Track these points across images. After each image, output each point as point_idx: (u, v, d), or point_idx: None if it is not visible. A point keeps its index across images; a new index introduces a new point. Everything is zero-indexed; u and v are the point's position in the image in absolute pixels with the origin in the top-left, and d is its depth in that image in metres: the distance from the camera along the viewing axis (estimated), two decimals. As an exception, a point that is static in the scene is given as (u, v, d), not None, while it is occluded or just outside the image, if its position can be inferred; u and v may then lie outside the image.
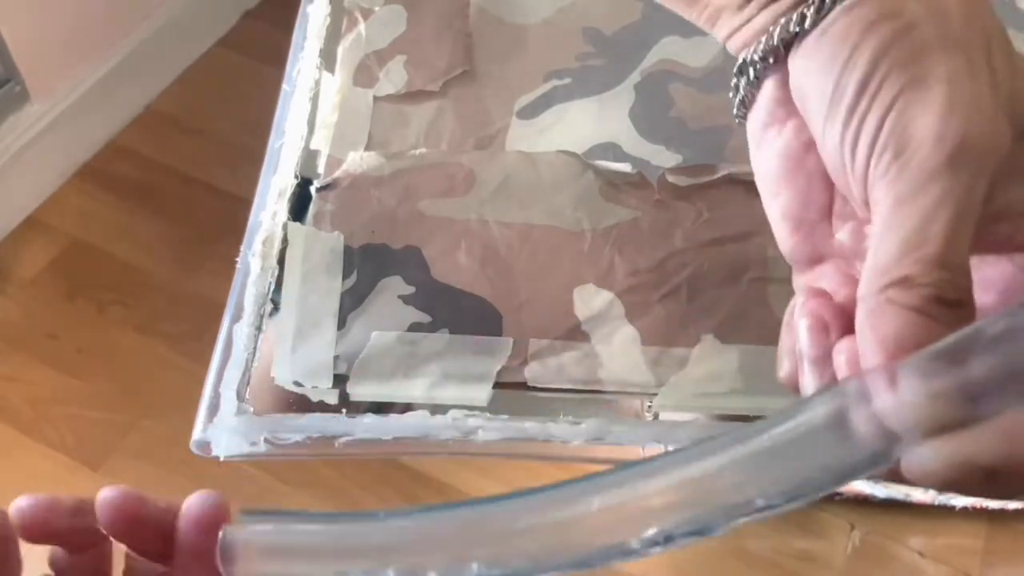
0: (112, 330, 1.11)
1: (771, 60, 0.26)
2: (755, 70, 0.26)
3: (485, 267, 0.37)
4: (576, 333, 0.36)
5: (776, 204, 0.26)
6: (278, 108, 0.43)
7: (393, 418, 0.33)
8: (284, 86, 0.43)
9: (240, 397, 0.34)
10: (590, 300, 0.36)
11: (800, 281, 0.26)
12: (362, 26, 0.46)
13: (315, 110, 0.43)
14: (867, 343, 0.22)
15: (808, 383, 0.24)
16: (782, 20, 0.25)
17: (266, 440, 0.33)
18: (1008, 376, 0.20)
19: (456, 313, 0.36)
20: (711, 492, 0.22)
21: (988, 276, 0.26)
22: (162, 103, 1.31)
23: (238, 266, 0.38)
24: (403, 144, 0.42)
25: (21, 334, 1.11)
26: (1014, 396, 0.20)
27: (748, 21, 0.27)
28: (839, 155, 0.24)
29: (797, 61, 0.26)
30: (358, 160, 0.41)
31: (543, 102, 0.43)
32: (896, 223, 0.22)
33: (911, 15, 0.24)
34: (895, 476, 0.22)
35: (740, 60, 0.27)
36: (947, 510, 0.95)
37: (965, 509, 0.95)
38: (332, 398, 0.35)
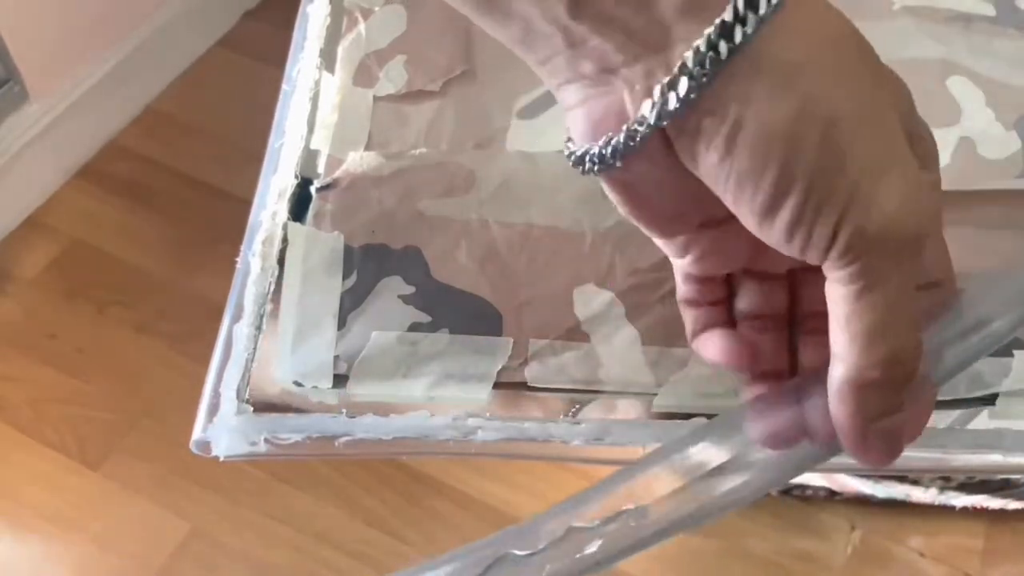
0: (112, 330, 1.12)
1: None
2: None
3: (485, 267, 0.37)
4: (576, 333, 0.36)
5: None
6: (278, 108, 0.43)
7: (393, 418, 0.33)
8: (284, 86, 0.43)
9: (240, 397, 0.34)
10: (590, 300, 0.36)
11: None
12: (362, 26, 0.46)
13: (315, 110, 0.43)
14: (839, 415, 0.25)
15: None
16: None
17: (266, 440, 0.33)
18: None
19: (456, 313, 0.36)
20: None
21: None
22: (162, 103, 1.31)
23: (238, 266, 0.38)
24: (403, 144, 0.42)
25: (21, 334, 1.11)
26: None
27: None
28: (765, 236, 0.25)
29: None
30: (358, 160, 0.41)
31: (543, 102, 0.43)
32: (855, 302, 0.24)
33: (828, 104, 0.24)
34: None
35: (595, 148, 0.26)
36: (947, 510, 0.95)
37: (965, 509, 0.95)
38: (332, 398, 0.35)
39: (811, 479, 0.95)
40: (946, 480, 0.93)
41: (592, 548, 0.25)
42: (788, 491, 0.97)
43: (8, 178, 1.17)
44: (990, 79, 0.44)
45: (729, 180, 0.24)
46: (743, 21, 0.23)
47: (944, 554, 0.95)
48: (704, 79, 0.23)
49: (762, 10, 0.23)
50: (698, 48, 0.23)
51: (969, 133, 0.42)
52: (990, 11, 0.46)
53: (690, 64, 0.23)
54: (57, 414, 1.05)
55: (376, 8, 0.47)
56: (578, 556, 0.25)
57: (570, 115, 0.27)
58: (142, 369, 1.09)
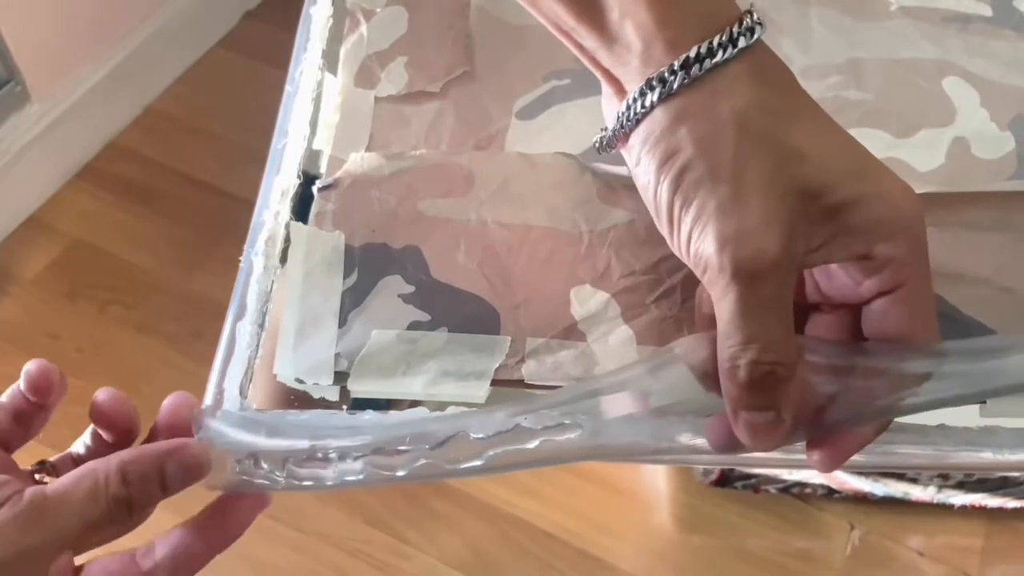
0: (112, 330, 1.12)
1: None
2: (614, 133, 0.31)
3: (484, 267, 0.38)
4: (572, 332, 0.36)
5: None
6: (281, 109, 0.43)
7: (392, 414, 0.33)
8: (287, 87, 0.44)
9: (243, 393, 0.34)
10: (586, 300, 0.36)
11: None
12: (364, 27, 0.46)
13: (317, 111, 0.43)
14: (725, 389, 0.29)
15: None
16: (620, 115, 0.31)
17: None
18: None
19: (455, 312, 0.37)
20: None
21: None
22: (163, 103, 1.32)
23: (241, 265, 0.38)
24: (404, 144, 0.42)
25: (22, 334, 1.11)
26: None
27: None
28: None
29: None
30: (359, 160, 0.41)
31: (542, 103, 0.43)
32: (719, 314, 0.28)
33: (684, 156, 0.28)
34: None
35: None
36: (946, 509, 0.96)
37: (964, 507, 0.95)
38: (333, 395, 0.35)
39: (810, 477, 0.95)
40: (944, 478, 0.93)
41: (532, 444, 0.30)
42: (787, 489, 0.97)
43: (9, 178, 1.17)
44: (985, 79, 0.44)
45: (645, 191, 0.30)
46: (659, 83, 0.29)
47: (944, 553, 0.95)
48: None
49: (676, 84, 0.28)
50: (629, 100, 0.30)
51: (963, 133, 0.42)
52: (987, 12, 0.47)
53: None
54: (58, 414, 1.05)
55: (378, 9, 0.47)
56: (518, 448, 0.30)
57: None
58: (142, 369, 1.09)
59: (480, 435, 0.30)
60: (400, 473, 0.30)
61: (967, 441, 0.33)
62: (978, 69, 0.44)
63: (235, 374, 0.35)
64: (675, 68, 0.28)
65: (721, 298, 0.28)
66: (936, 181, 0.41)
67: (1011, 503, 0.94)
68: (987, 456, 0.33)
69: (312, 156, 0.42)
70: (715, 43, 0.28)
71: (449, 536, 0.96)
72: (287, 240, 0.39)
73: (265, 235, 0.39)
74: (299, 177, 0.41)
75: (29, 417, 0.35)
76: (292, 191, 0.40)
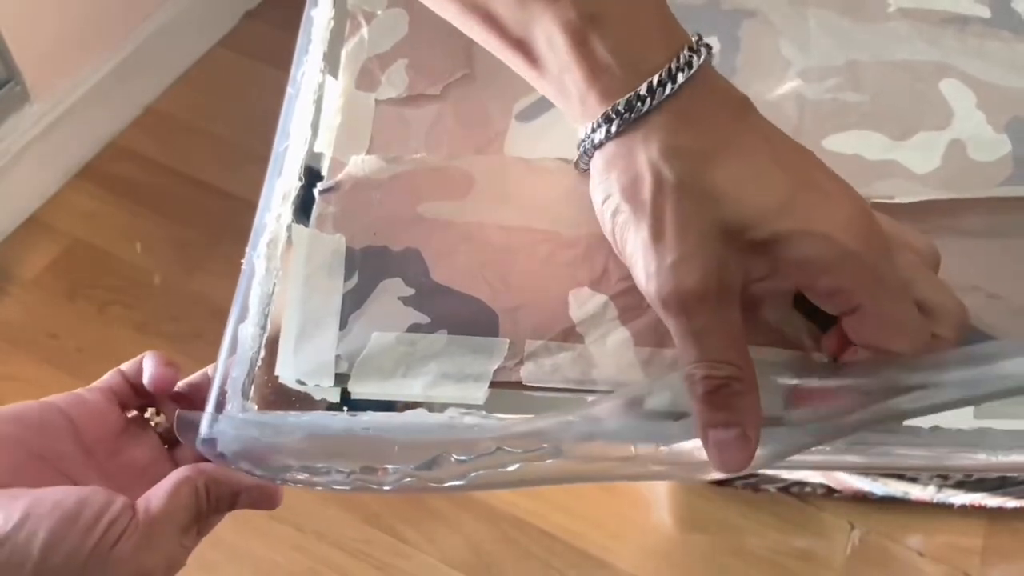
0: (112, 330, 1.12)
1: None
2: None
3: (483, 269, 0.38)
4: (571, 334, 0.36)
5: None
6: (283, 111, 0.43)
7: (392, 415, 0.34)
8: (289, 89, 0.44)
9: (245, 395, 0.35)
10: (584, 303, 0.37)
11: None
12: (364, 29, 0.46)
13: (319, 113, 0.43)
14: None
15: None
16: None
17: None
18: None
19: (454, 314, 0.37)
20: None
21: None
22: (163, 103, 1.32)
23: (243, 267, 0.38)
24: (404, 147, 0.42)
25: (22, 334, 1.11)
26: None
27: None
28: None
29: None
30: (360, 163, 0.41)
31: (541, 105, 0.43)
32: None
33: (614, 201, 0.31)
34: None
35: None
36: (946, 508, 0.96)
37: (964, 507, 0.95)
38: (334, 396, 0.35)
39: (809, 476, 0.95)
40: (944, 478, 0.93)
41: (512, 468, 0.31)
42: (787, 488, 0.98)
43: (9, 178, 1.17)
44: (983, 81, 0.44)
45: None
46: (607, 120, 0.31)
47: (944, 553, 0.95)
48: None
49: (613, 127, 0.31)
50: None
51: (960, 136, 0.42)
52: (985, 13, 0.47)
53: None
54: (58, 413, 1.06)
55: (379, 11, 0.47)
56: (499, 470, 0.31)
57: None
58: (143, 369, 1.09)
59: (463, 458, 0.31)
60: (387, 488, 0.32)
61: (961, 443, 0.33)
62: (975, 71, 0.44)
63: (237, 376, 0.35)
64: (600, 122, 0.31)
65: (667, 324, 0.31)
66: (932, 183, 0.41)
67: (1011, 502, 0.94)
68: (981, 458, 0.33)
69: (314, 159, 0.42)
70: (636, 96, 0.30)
71: (449, 536, 0.97)
72: (289, 242, 0.39)
73: (267, 237, 0.39)
74: (301, 179, 0.41)
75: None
76: (294, 194, 0.40)
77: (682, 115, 0.30)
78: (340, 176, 0.41)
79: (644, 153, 0.30)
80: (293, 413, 0.34)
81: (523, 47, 0.32)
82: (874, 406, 0.31)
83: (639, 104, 0.30)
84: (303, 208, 0.40)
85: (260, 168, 0.42)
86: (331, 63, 0.45)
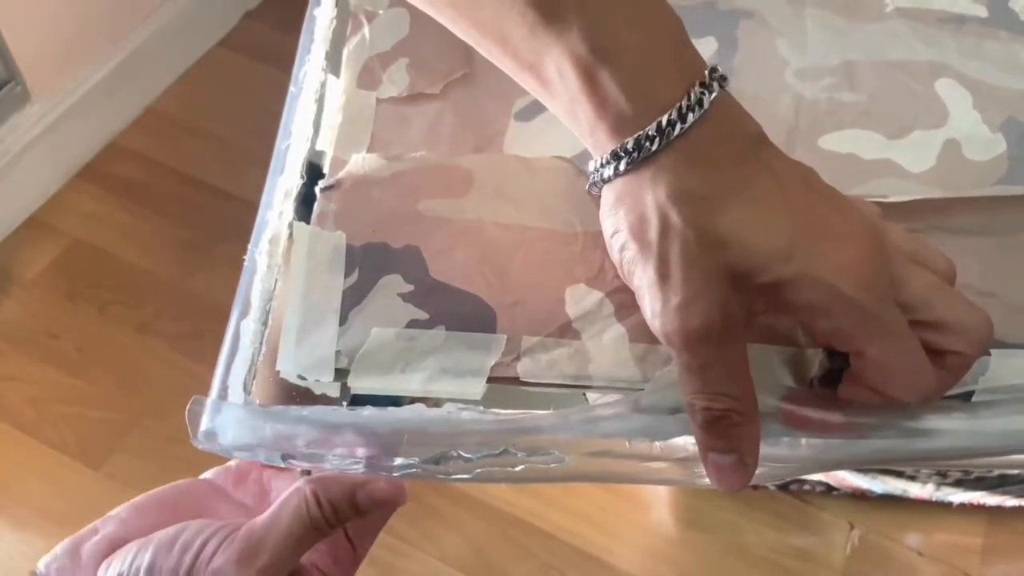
0: (112, 330, 1.12)
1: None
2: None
3: (481, 266, 0.38)
4: (567, 331, 0.36)
5: None
6: (285, 110, 0.44)
7: (390, 410, 0.34)
8: (291, 88, 0.44)
9: (246, 389, 0.35)
10: (581, 299, 0.37)
11: None
12: (366, 29, 0.47)
13: (320, 112, 0.44)
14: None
15: None
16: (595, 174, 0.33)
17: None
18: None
19: (453, 310, 0.37)
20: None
21: None
22: (163, 104, 1.32)
23: (245, 264, 0.39)
24: (404, 145, 0.43)
25: (22, 334, 1.11)
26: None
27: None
28: None
29: None
30: (360, 161, 0.42)
31: (539, 105, 0.44)
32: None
33: (622, 236, 0.31)
34: None
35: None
36: (945, 507, 0.96)
37: (963, 505, 0.95)
38: (334, 391, 0.36)
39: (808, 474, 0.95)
40: (943, 476, 0.93)
41: (518, 469, 0.32)
42: (785, 486, 0.98)
43: (9, 178, 1.17)
44: (978, 81, 0.44)
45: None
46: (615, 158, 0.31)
47: (943, 553, 0.95)
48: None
49: (616, 168, 0.31)
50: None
51: (955, 135, 0.42)
52: (982, 12, 0.47)
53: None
54: (58, 414, 1.06)
55: (380, 11, 0.47)
56: (504, 470, 0.32)
57: None
58: (142, 369, 1.10)
59: (470, 456, 0.32)
60: (395, 474, 0.33)
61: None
62: (971, 71, 0.45)
63: (239, 370, 0.36)
64: (608, 159, 0.31)
65: (672, 353, 0.31)
66: (927, 182, 0.41)
67: (1009, 501, 0.94)
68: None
69: (315, 157, 0.42)
70: (645, 136, 0.30)
71: (449, 536, 0.97)
72: (290, 239, 0.39)
73: (269, 234, 0.39)
74: (302, 177, 0.41)
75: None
76: (295, 191, 0.41)
77: (692, 156, 0.30)
78: (341, 174, 0.41)
79: (651, 194, 0.30)
80: (294, 408, 0.34)
81: (535, 72, 0.32)
82: (867, 442, 0.32)
83: (648, 144, 0.30)
84: (305, 205, 0.40)
85: (260, 168, 0.42)
86: (333, 62, 0.45)
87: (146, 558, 0.31)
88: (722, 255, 0.29)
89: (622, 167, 0.30)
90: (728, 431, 0.30)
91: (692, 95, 0.30)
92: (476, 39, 0.33)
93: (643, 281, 0.31)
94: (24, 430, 1.05)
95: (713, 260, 0.29)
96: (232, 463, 0.36)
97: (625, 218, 0.31)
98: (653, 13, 0.31)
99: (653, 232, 0.30)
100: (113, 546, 0.32)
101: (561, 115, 0.33)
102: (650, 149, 0.30)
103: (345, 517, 0.33)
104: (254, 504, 0.36)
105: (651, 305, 0.31)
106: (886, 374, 0.31)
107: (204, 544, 0.31)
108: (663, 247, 0.30)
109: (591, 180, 0.32)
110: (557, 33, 0.30)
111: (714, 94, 0.30)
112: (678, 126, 0.29)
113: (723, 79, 0.30)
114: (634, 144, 0.30)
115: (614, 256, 0.32)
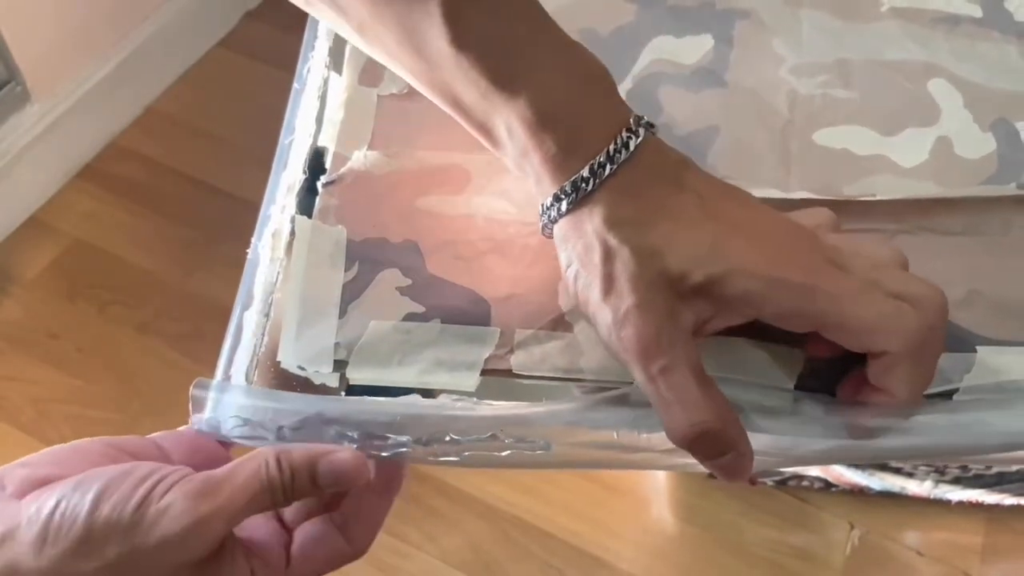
0: (112, 330, 1.12)
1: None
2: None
3: (477, 261, 0.39)
4: (559, 323, 0.37)
5: None
6: (288, 106, 0.44)
7: (387, 400, 0.35)
8: (294, 84, 0.45)
9: (248, 379, 0.36)
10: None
11: None
12: (366, 27, 0.47)
13: (323, 108, 0.44)
14: None
15: None
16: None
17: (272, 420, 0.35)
18: None
19: (448, 304, 0.38)
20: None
21: None
22: (163, 104, 1.32)
23: (248, 257, 0.39)
24: (404, 142, 0.43)
25: (22, 334, 1.12)
26: None
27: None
28: None
29: None
30: (361, 158, 0.42)
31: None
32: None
33: (574, 267, 0.34)
34: None
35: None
36: (944, 506, 0.96)
37: (961, 504, 0.95)
38: (333, 381, 0.36)
39: (807, 470, 0.95)
40: (940, 473, 0.93)
41: (504, 454, 0.34)
42: (784, 482, 0.98)
43: (9, 178, 1.18)
44: (970, 82, 0.45)
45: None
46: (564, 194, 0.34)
47: (943, 552, 0.95)
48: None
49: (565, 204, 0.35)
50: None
51: (947, 133, 0.43)
52: (977, 13, 0.47)
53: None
54: (58, 414, 1.06)
55: (380, 9, 0.48)
56: (491, 454, 0.34)
57: None
58: (142, 369, 1.10)
59: (459, 438, 0.34)
60: (384, 454, 0.34)
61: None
62: (963, 72, 0.45)
63: (241, 361, 0.36)
64: (552, 201, 0.35)
65: (633, 375, 0.33)
66: (919, 177, 0.42)
67: (1008, 500, 0.94)
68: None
69: (317, 152, 0.43)
70: (581, 178, 0.34)
71: (449, 535, 0.97)
72: (293, 234, 0.40)
73: (271, 228, 0.40)
74: (305, 172, 0.42)
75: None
76: (298, 186, 0.41)
77: (622, 190, 0.34)
78: (342, 170, 0.42)
79: (591, 225, 0.34)
80: (293, 397, 0.35)
81: (485, 130, 0.36)
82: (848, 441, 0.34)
83: (584, 185, 0.34)
84: (307, 200, 0.41)
85: (260, 167, 0.43)
86: (335, 59, 0.46)
87: (95, 486, 0.30)
88: (658, 262, 0.33)
89: (564, 207, 0.34)
90: (713, 443, 0.32)
91: (619, 140, 0.34)
92: (432, 96, 0.37)
93: (595, 302, 0.33)
94: (24, 430, 1.05)
95: (651, 269, 0.33)
96: (182, 428, 0.36)
97: (574, 249, 0.34)
98: (588, 74, 0.35)
99: (597, 257, 0.33)
100: (43, 483, 0.32)
101: (509, 165, 0.36)
102: (586, 189, 0.34)
103: (302, 488, 0.32)
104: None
105: (603, 321, 0.33)
106: (858, 336, 0.33)
107: (159, 480, 0.31)
108: (607, 268, 0.33)
109: (542, 222, 0.36)
110: (506, 99, 0.34)
111: (639, 138, 0.34)
112: (608, 167, 0.34)
113: (649, 126, 0.35)
114: (571, 186, 0.34)
115: (571, 288, 0.35)
